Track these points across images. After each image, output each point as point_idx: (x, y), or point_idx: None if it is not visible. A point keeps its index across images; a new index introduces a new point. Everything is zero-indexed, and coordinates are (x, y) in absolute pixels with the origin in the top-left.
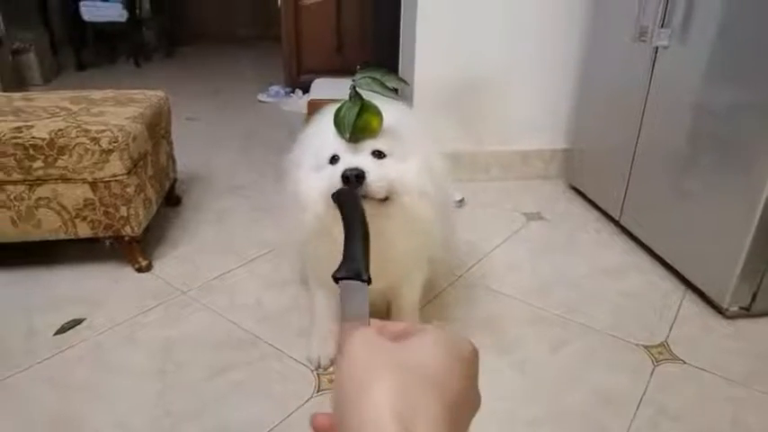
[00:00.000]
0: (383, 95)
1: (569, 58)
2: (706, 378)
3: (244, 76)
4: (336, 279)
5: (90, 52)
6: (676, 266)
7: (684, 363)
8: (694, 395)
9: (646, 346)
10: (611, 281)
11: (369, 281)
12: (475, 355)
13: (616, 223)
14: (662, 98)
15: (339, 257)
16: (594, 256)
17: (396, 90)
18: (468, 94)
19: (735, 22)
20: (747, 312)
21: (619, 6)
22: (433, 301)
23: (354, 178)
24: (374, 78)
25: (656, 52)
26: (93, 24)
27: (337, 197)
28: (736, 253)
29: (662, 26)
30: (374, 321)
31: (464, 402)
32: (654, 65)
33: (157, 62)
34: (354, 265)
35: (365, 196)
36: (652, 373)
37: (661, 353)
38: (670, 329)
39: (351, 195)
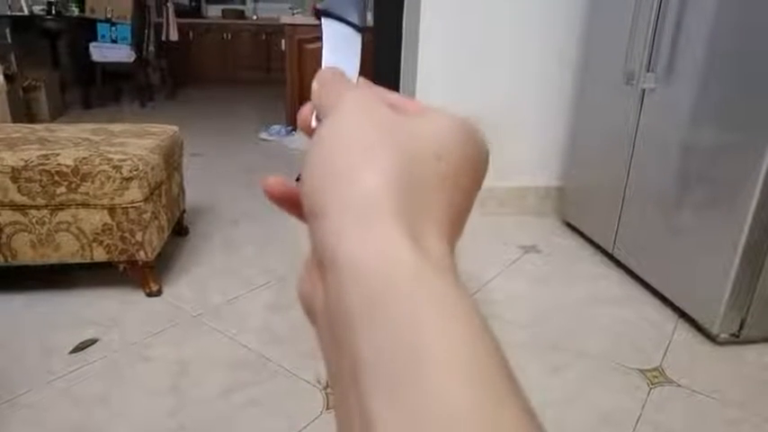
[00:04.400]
0: None
1: (562, 99)
2: (700, 400)
3: (245, 115)
4: (320, 14)
5: (96, 92)
6: (668, 296)
7: (679, 386)
8: (690, 415)
9: (641, 370)
10: (607, 309)
11: (363, 30)
12: (488, 157)
13: (609, 256)
14: (650, 138)
15: None
16: (589, 286)
17: None
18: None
19: (716, 66)
20: (737, 339)
21: (608, 52)
22: None
23: None
24: None
25: (644, 94)
26: (102, 65)
27: None
28: (723, 283)
29: (648, 70)
30: (363, 81)
31: (465, 215)
32: (641, 106)
33: (161, 102)
34: (346, 3)
35: None
36: (648, 395)
37: (656, 376)
38: (664, 355)
39: None
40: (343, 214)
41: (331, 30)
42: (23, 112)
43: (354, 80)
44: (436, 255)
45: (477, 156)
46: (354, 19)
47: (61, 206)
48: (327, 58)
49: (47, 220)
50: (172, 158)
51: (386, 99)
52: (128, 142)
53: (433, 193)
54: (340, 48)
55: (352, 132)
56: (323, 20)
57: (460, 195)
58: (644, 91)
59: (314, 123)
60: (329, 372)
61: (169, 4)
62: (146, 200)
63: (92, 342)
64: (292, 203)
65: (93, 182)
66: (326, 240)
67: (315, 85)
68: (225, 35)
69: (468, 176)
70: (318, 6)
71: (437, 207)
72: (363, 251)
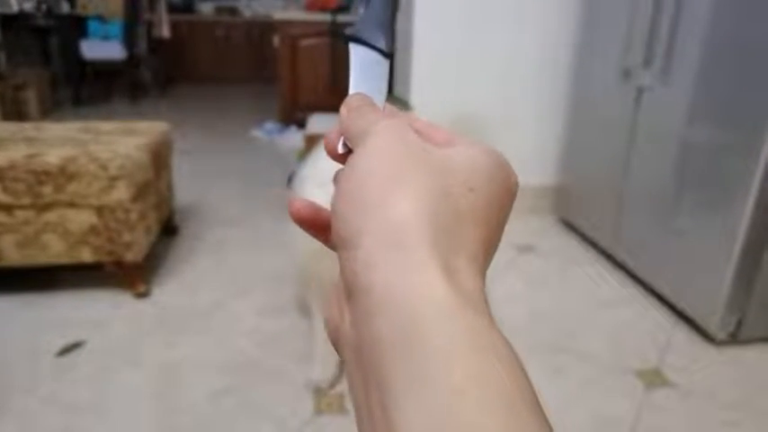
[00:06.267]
0: None
1: (559, 96)
2: (698, 400)
3: (238, 113)
4: (347, 39)
5: (87, 89)
6: (667, 297)
7: (677, 387)
8: (687, 417)
9: (639, 372)
10: (604, 310)
11: (391, 56)
12: (517, 188)
13: (608, 256)
14: (647, 136)
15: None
16: (587, 287)
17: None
18: (461, 132)
19: (713, 64)
20: (735, 339)
21: (604, 48)
22: None
23: None
24: None
25: (641, 92)
26: (93, 62)
27: None
28: (720, 283)
29: (644, 68)
30: (390, 107)
31: (495, 247)
32: (638, 104)
33: (152, 99)
34: (374, 28)
35: None
36: (646, 397)
37: (655, 378)
38: (662, 356)
39: None
40: (375, 244)
41: (358, 55)
42: (13, 111)
43: (381, 106)
44: (469, 288)
45: (507, 187)
46: (382, 45)
47: (48, 206)
48: (355, 84)
49: (33, 220)
50: (161, 157)
51: (414, 127)
52: (115, 141)
53: (466, 226)
54: (367, 73)
55: (385, 162)
56: (350, 45)
57: (492, 227)
58: (641, 88)
59: (340, 149)
60: (354, 397)
61: (161, 1)
62: (133, 199)
63: (78, 345)
64: (318, 227)
65: (79, 181)
66: (358, 270)
67: (343, 110)
68: (217, 32)
69: (498, 208)
70: (346, 32)
71: (470, 239)
72: (397, 283)
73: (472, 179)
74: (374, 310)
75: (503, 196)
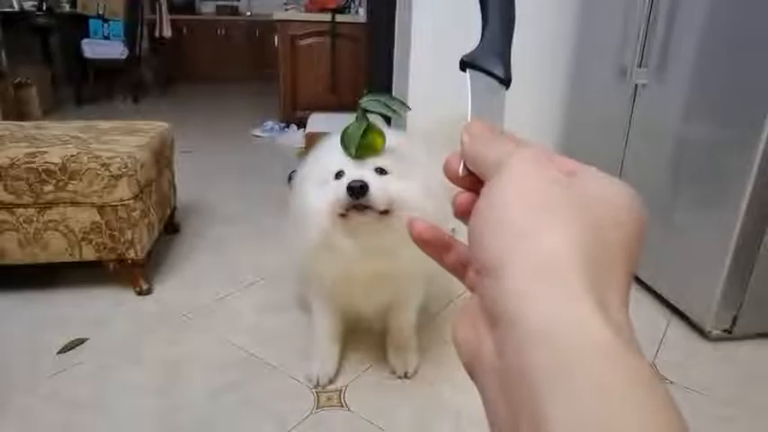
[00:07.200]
0: (388, 114)
1: (556, 95)
2: (694, 396)
3: (238, 112)
4: (464, 65)
5: (88, 88)
6: (662, 293)
7: (672, 383)
8: (683, 412)
9: None
10: None
11: (508, 83)
12: (646, 222)
13: None
14: (643, 133)
15: (341, 273)
16: None
17: (396, 111)
18: (458, 133)
19: (708, 62)
20: (729, 335)
21: (601, 47)
22: (428, 325)
23: (358, 189)
24: (379, 101)
25: (636, 90)
26: (94, 62)
27: None
28: (715, 280)
29: (640, 66)
30: (514, 135)
31: (632, 278)
32: (634, 102)
33: (154, 98)
34: (491, 56)
35: (367, 207)
36: None
37: None
38: (657, 352)
39: None
40: (525, 274)
41: (476, 81)
42: (14, 110)
43: (502, 129)
44: (621, 324)
45: (643, 221)
46: (500, 71)
47: (49, 205)
48: (473, 110)
49: (34, 218)
50: (162, 156)
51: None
52: (117, 140)
53: (613, 259)
54: (485, 100)
55: (530, 192)
56: (468, 71)
57: (634, 260)
58: (637, 86)
59: (461, 172)
60: (493, 421)
61: (162, 1)
62: (135, 198)
63: (80, 342)
64: (437, 248)
65: (81, 180)
66: (506, 299)
67: (465, 136)
68: (218, 31)
69: (639, 242)
70: (463, 57)
71: (619, 275)
72: (553, 316)
73: (618, 213)
74: (527, 342)
75: (642, 230)
